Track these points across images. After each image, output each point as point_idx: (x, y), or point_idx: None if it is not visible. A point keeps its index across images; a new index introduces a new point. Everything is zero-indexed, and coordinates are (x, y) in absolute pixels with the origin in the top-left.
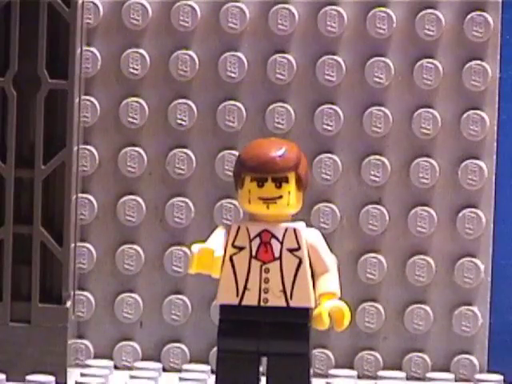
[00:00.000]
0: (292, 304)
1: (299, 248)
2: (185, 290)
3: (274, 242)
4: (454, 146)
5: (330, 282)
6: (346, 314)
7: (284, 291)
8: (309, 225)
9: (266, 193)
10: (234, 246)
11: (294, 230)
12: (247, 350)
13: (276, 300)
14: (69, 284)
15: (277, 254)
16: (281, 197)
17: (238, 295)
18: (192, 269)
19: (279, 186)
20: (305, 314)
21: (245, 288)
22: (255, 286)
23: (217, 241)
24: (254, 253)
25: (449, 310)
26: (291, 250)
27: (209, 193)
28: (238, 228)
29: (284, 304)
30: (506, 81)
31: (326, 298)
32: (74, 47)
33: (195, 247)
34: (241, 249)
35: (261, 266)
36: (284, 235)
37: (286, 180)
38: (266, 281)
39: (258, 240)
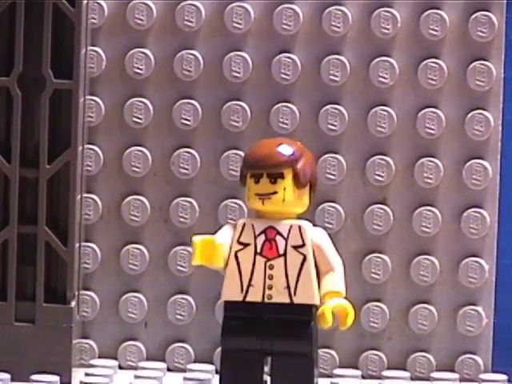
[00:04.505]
0: (296, 301)
1: (304, 245)
2: (189, 290)
3: (278, 238)
4: (459, 146)
5: (334, 280)
6: (349, 313)
7: (288, 288)
8: (314, 225)
9: (261, 189)
10: (239, 242)
11: (299, 227)
12: (251, 349)
13: (280, 296)
14: (73, 284)
15: (281, 251)
16: (275, 193)
17: (242, 291)
18: (195, 260)
19: (274, 182)
20: (308, 311)
21: (249, 284)
22: (259, 282)
23: (220, 233)
24: (258, 249)
25: (453, 309)
26: (296, 247)
27: (213, 193)
28: (244, 224)
29: (288, 300)
30: (510, 81)
31: (330, 297)
32: (78, 47)
33: (196, 237)
34: (246, 245)
35: (265, 263)
36: (289, 232)
37: (282, 176)
38: (270, 277)
39: (263, 237)
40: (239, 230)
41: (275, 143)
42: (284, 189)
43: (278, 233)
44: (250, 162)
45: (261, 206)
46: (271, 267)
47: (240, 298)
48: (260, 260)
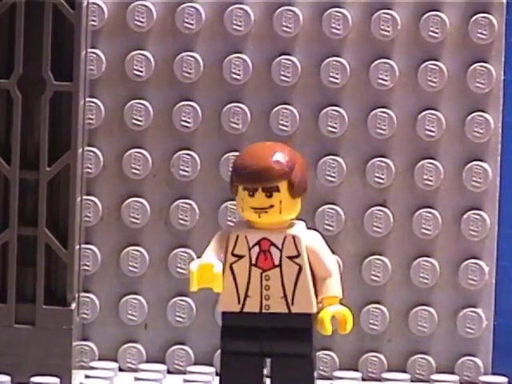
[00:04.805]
0: (293, 310)
1: (299, 255)
2: (189, 292)
3: (273, 249)
4: (459, 148)
5: (332, 285)
6: (348, 319)
7: (285, 297)
8: (309, 226)
9: (256, 203)
10: (233, 254)
11: (293, 238)
12: (251, 352)
13: (277, 307)
14: (73, 286)
15: (276, 262)
16: (272, 206)
17: (239, 302)
18: (193, 287)
19: (270, 196)
20: (307, 319)
21: (246, 295)
22: (256, 293)
23: (215, 253)
24: (253, 261)
25: (453, 311)
26: (291, 258)
27: (213, 195)
28: (237, 237)
29: (286, 310)
30: (510, 83)
31: (328, 302)
32: (78, 49)
33: (193, 265)
34: (240, 257)
35: (261, 274)
36: (283, 243)
37: (277, 189)
38: (267, 288)
39: (257, 248)
40: (233, 242)
41: (268, 154)
42: (280, 201)
43: (273, 244)
44: (243, 175)
45: (257, 219)
46: (267, 278)
47: (237, 309)
48: (256, 271)
